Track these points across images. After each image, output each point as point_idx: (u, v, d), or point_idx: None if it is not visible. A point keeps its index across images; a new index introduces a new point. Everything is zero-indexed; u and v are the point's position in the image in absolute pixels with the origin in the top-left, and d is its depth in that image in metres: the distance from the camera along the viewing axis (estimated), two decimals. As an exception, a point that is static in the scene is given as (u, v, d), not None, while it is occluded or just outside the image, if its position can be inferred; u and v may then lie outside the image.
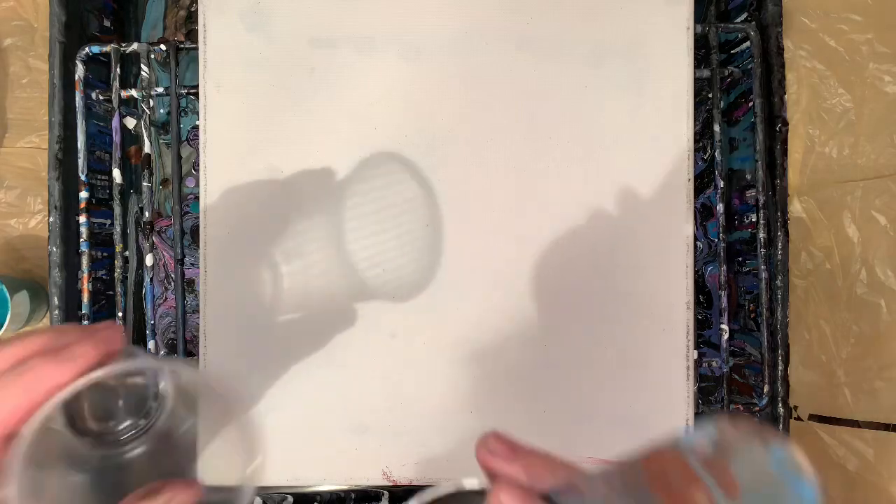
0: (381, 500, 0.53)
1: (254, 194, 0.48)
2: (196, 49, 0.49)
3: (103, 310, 0.54)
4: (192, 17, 0.57)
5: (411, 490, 0.54)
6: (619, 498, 0.23)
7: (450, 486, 0.25)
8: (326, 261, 0.48)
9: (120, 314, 0.53)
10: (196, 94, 0.50)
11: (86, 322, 0.51)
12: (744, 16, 0.54)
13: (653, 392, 0.48)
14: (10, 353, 0.23)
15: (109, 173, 0.54)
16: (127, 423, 0.28)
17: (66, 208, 0.51)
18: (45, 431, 0.23)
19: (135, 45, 0.52)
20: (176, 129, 0.53)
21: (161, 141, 0.56)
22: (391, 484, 0.48)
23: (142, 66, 0.52)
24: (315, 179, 0.48)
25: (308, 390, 0.47)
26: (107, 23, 0.56)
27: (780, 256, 0.50)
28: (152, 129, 0.55)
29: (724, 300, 0.52)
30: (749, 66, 0.52)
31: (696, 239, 0.49)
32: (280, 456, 0.48)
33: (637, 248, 0.48)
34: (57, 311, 0.50)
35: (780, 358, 0.50)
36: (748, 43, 0.52)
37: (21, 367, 0.23)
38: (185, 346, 0.52)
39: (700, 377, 0.54)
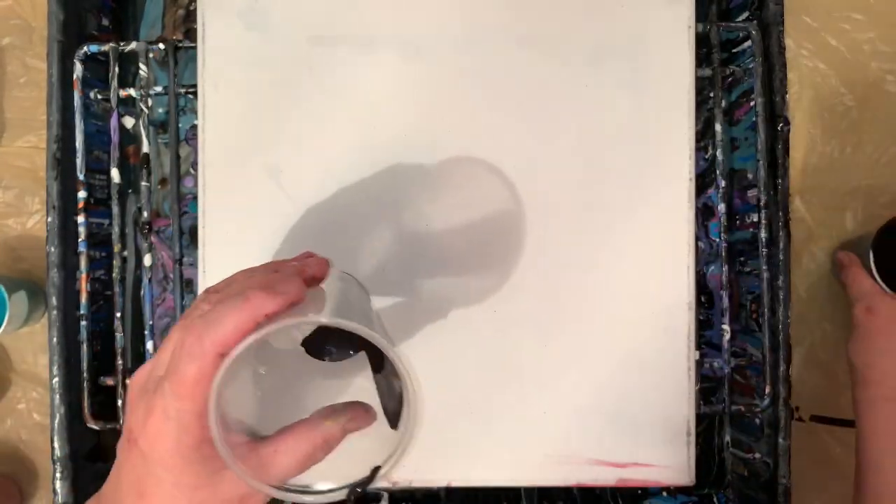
0: (380, 500, 0.53)
1: (252, 194, 0.48)
2: (195, 48, 0.49)
3: (102, 310, 0.54)
4: (190, 16, 0.57)
5: (411, 491, 0.54)
6: None
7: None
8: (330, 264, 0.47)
9: (118, 315, 0.53)
10: (195, 94, 0.50)
11: (84, 322, 0.51)
12: (745, 14, 0.54)
13: (654, 392, 0.48)
14: (238, 286, 0.29)
15: (108, 173, 0.54)
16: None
17: (65, 208, 0.51)
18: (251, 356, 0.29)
19: (133, 45, 0.52)
20: (174, 128, 0.53)
21: (159, 140, 0.56)
22: (391, 485, 0.48)
23: (140, 65, 0.52)
24: (314, 178, 0.48)
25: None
26: (105, 22, 0.56)
27: (781, 256, 0.50)
28: (150, 128, 0.54)
29: (726, 300, 0.51)
30: (750, 66, 0.52)
31: (697, 239, 0.49)
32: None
33: (638, 248, 0.48)
34: (55, 312, 0.50)
35: (781, 358, 0.50)
36: (749, 42, 0.51)
37: (239, 296, 0.27)
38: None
39: (701, 378, 0.53)
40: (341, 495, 0.29)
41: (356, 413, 0.30)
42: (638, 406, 0.48)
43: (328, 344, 0.34)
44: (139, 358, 0.55)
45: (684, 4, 0.48)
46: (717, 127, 0.52)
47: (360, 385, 0.33)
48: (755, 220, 0.51)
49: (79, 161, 0.51)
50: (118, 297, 0.53)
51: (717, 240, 0.53)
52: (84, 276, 0.51)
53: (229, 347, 0.26)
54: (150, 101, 0.53)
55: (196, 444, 0.27)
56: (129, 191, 0.56)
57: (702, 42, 0.51)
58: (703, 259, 0.56)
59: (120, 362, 0.52)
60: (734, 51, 0.54)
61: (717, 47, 0.52)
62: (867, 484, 0.46)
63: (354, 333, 0.29)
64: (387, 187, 0.48)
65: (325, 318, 0.28)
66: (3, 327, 0.51)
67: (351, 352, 0.34)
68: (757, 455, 0.52)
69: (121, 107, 0.53)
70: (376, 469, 0.29)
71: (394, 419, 0.31)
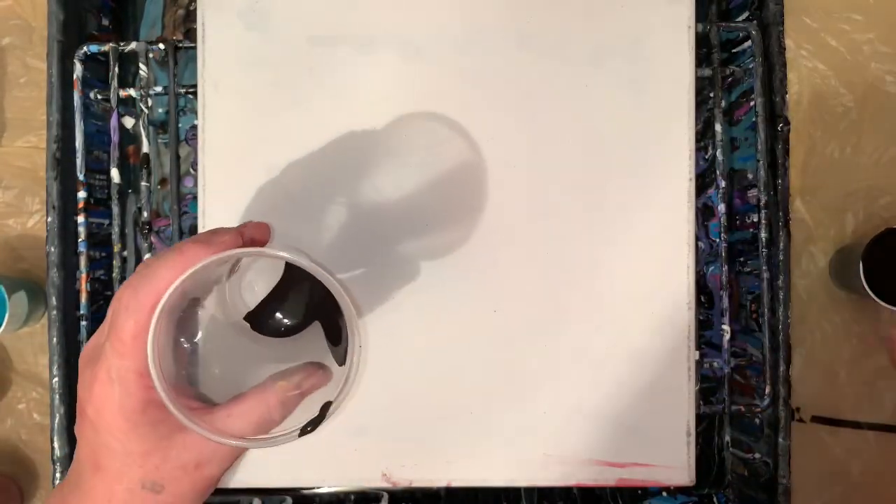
0: (380, 501, 0.53)
1: (252, 194, 0.48)
2: (195, 48, 0.49)
3: (102, 310, 0.54)
4: (190, 16, 0.57)
5: (411, 491, 0.54)
6: None
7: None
8: (324, 262, 0.47)
9: (118, 314, 0.53)
10: (195, 94, 0.50)
11: (84, 322, 0.51)
12: (745, 15, 0.54)
13: (653, 392, 0.48)
14: (178, 244, 0.29)
15: (108, 173, 0.54)
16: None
17: (65, 208, 0.51)
18: (185, 306, 0.29)
19: (133, 45, 0.52)
20: (174, 128, 0.53)
21: (159, 140, 0.56)
22: (391, 485, 0.48)
23: (140, 65, 0.52)
24: (314, 179, 0.48)
25: (307, 391, 0.47)
26: (105, 22, 0.56)
27: (781, 256, 0.50)
28: (150, 128, 0.54)
29: (726, 300, 0.51)
30: (750, 66, 0.52)
31: (697, 239, 0.49)
32: (279, 457, 0.47)
33: (637, 247, 0.48)
34: (55, 312, 0.50)
35: (781, 359, 0.50)
36: (749, 42, 0.51)
37: (174, 248, 0.28)
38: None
39: (701, 378, 0.53)
40: (294, 437, 0.29)
41: (309, 373, 0.30)
42: (638, 406, 0.48)
43: (274, 317, 0.34)
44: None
45: (684, 4, 0.48)
46: (717, 127, 0.52)
47: (315, 348, 0.33)
48: (755, 220, 0.51)
49: (79, 161, 0.51)
50: (118, 297, 0.53)
51: (717, 240, 0.53)
52: (84, 276, 0.51)
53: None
54: (150, 101, 0.53)
55: (141, 406, 0.27)
56: (129, 191, 0.56)
57: (702, 42, 0.51)
58: (703, 259, 0.56)
59: (120, 362, 0.52)
60: (734, 51, 0.54)
61: (717, 47, 0.52)
62: None
63: (302, 305, 0.29)
64: (387, 187, 0.48)
65: (256, 249, 0.28)
66: (2, 327, 0.51)
67: (296, 323, 0.34)
68: (757, 455, 0.52)
69: (121, 107, 0.53)
70: (326, 406, 0.29)
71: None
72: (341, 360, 0.30)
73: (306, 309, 0.34)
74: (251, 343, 0.34)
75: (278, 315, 0.34)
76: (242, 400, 0.29)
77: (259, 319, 0.34)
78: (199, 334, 0.31)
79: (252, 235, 0.32)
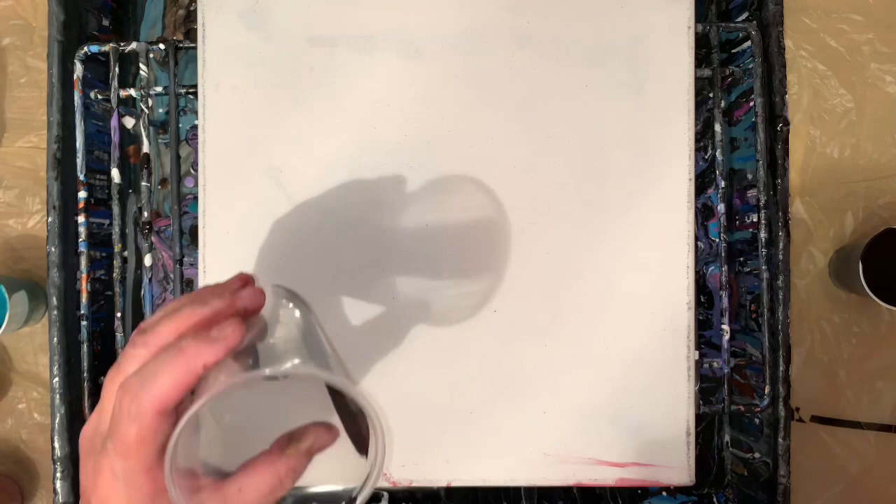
0: (380, 500, 0.53)
1: (253, 194, 0.48)
2: (195, 48, 0.49)
3: (102, 310, 0.54)
4: (191, 17, 0.57)
5: (411, 491, 0.54)
6: None
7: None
8: (324, 262, 0.48)
9: (119, 315, 0.53)
10: (195, 94, 0.50)
11: (84, 322, 0.51)
12: (745, 15, 0.54)
13: (653, 392, 0.48)
14: (166, 331, 0.27)
15: (108, 173, 0.54)
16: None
17: (65, 208, 0.51)
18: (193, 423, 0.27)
19: (133, 45, 0.52)
20: (175, 128, 0.53)
21: (160, 140, 0.56)
22: (391, 485, 0.48)
23: (140, 65, 0.52)
24: (314, 179, 0.48)
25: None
26: (105, 22, 0.56)
27: (781, 256, 0.50)
28: (151, 128, 0.54)
29: (725, 300, 0.51)
30: (750, 66, 0.52)
31: (696, 239, 0.49)
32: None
33: (637, 248, 0.48)
34: (56, 312, 0.50)
35: (781, 358, 0.50)
36: (749, 42, 0.51)
37: (174, 347, 0.26)
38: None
39: (701, 377, 0.53)
40: None
41: (317, 434, 0.29)
42: (638, 406, 0.48)
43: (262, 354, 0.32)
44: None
45: (684, 4, 0.48)
46: (717, 127, 0.52)
47: (316, 397, 0.31)
48: (755, 220, 0.51)
49: (79, 161, 0.51)
50: (119, 297, 0.53)
51: (717, 240, 0.53)
52: (84, 276, 0.51)
53: (167, 404, 0.26)
54: (150, 102, 0.53)
55: (149, 498, 0.26)
56: (130, 191, 0.56)
57: (701, 42, 0.51)
58: (702, 259, 0.56)
59: (120, 362, 0.52)
60: (734, 51, 0.54)
61: (716, 47, 0.52)
62: None
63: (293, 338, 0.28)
64: (386, 187, 0.48)
65: (271, 371, 0.26)
66: (3, 327, 0.51)
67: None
68: (757, 455, 0.52)
69: (121, 107, 0.53)
70: (352, 501, 0.28)
71: (353, 430, 0.30)
72: (359, 444, 0.29)
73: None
74: (247, 393, 0.32)
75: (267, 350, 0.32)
76: (252, 470, 0.28)
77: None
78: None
79: (247, 306, 0.31)
